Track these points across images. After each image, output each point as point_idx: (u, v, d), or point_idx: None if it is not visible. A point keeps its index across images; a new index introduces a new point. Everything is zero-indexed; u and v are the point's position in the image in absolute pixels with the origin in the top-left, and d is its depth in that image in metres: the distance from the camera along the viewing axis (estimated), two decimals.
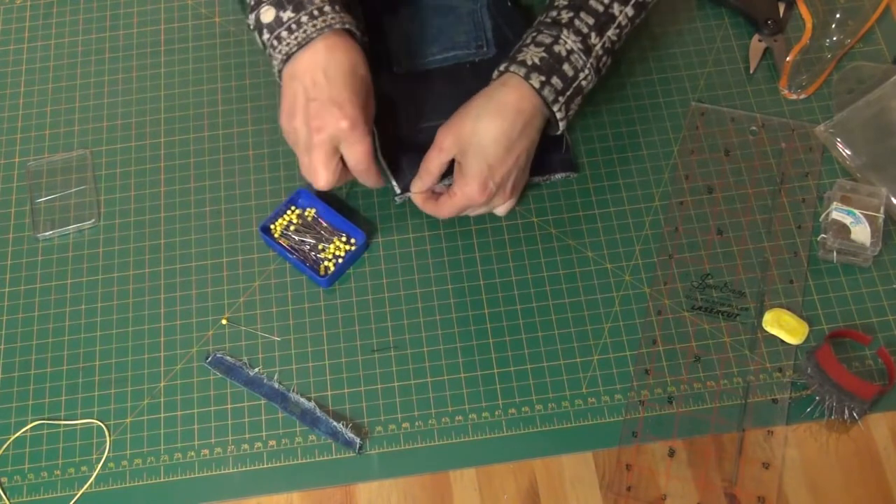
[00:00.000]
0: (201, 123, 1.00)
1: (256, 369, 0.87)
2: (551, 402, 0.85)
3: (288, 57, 0.83)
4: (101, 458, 0.84)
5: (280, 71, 0.85)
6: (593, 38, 0.87)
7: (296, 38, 0.82)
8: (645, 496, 0.81)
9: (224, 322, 0.90)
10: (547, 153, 0.93)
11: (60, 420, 0.86)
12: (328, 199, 0.94)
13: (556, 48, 0.86)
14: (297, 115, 0.83)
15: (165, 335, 0.89)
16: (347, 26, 0.84)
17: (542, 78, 0.85)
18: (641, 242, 0.92)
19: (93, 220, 0.95)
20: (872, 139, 0.95)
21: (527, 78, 0.85)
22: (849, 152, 0.95)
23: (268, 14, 0.84)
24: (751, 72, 1.00)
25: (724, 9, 1.05)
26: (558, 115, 0.87)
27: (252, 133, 0.99)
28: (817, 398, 0.83)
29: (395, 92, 0.97)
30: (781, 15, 1.03)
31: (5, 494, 0.83)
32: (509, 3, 1.01)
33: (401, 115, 0.96)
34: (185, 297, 0.91)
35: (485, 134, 0.84)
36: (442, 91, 0.96)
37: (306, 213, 0.93)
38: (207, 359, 0.88)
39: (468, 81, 0.92)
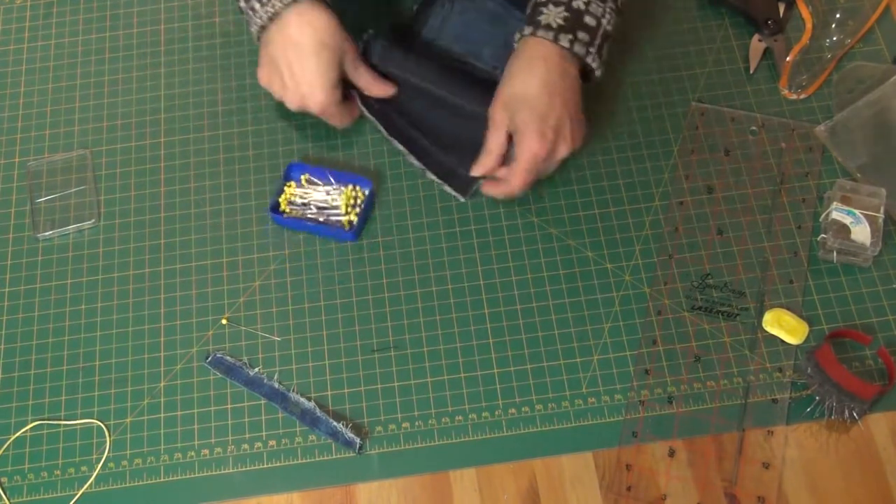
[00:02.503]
0: (201, 123, 1.00)
1: (256, 369, 0.87)
2: (551, 402, 0.85)
3: (262, 29, 0.90)
4: (101, 458, 0.84)
5: (258, 38, 0.93)
6: None
7: (266, 11, 0.88)
8: (645, 496, 0.81)
9: (224, 322, 0.90)
10: None
11: (60, 420, 0.86)
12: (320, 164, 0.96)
13: (574, 3, 0.88)
14: (274, 83, 0.92)
15: (165, 335, 0.89)
16: None
17: (570, 37, 0.87)
18: (641, 242, 0.92)
19: (93, 220, 0.95)
20: (872, 139, 0.95)
21: (556, 41, 0.87)
22: (849, 152, 0.95)
23: None
24: (751, 72, 1.00)
25: (724, 9, 1.05)
26: (593, 66, 0.89)
27: (252, 133, 0.99)
28: (817, 398, 0.83)
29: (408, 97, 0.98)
30: (781, 15, 1.03)
31: (5, 494, 0.83)
32: None
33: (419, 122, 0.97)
34: (185, 297, 0.91)
35: (527, 90, 0.87)
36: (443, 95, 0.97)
37: (303, 180, 0.95)
38: (207, 359, 0.88)
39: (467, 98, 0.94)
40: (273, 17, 0.89)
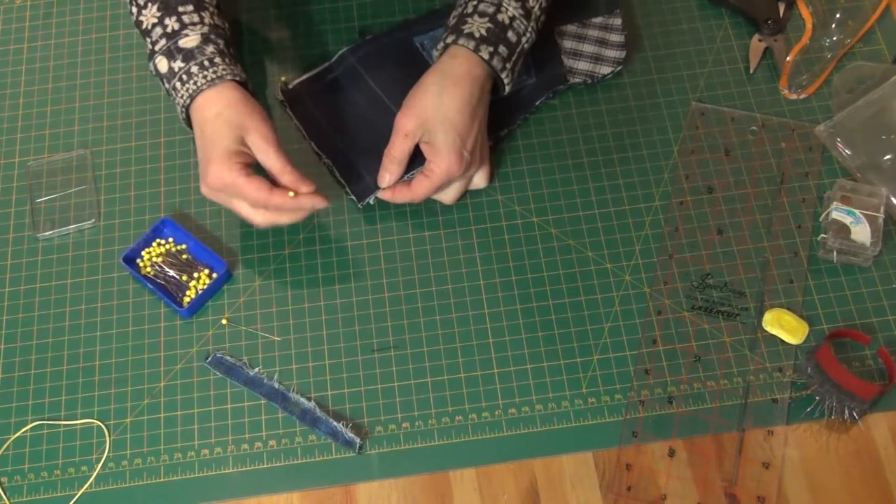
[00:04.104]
0: None
1: (256, 369, 0.87)
2: (551, 402, 0.85)
3: (185, 109, 0.88)
4: (101, 458, 0.84)
5: (184, 119, 0.89)
6: (531, 2, 0.90)
7: (188, 89, 0.86)
8: (645, 496, 0.81)
9: (224, 322, 0.90)
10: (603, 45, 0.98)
11: (60, 420, 0.86)
12: (193, 229, 0.93)
13: (500, 17, 0.88)
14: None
15: (165, 335, 0.89)
16: (237, 78, 0.87)
17: (491, 49, 0.87)
18: (641, 242, 0.92)
19: (93, 220, 0.95)
20: (872, 139, 0.95)
21: (476, 50, 0.87)
22: (849, 152, 0.95)
23: (162, 64, 0.87)
24: (751, 72, 1.00)
25: (724, 9, 1.05)
26: (506, 81, 0.90)
27: None
28: (817, 398, 0.83)
29: (353, 99, 0.98)
30: (781, 15, 1.03)
31: (5, 494, 0.83)
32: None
33: (352, 120, 0.97)
34: None
35: (449, 107, 0.86)
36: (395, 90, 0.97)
37: (169, 245, 0.93)
38: (207, 359, 0.88)
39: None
40: (194, 96, 0.85)
